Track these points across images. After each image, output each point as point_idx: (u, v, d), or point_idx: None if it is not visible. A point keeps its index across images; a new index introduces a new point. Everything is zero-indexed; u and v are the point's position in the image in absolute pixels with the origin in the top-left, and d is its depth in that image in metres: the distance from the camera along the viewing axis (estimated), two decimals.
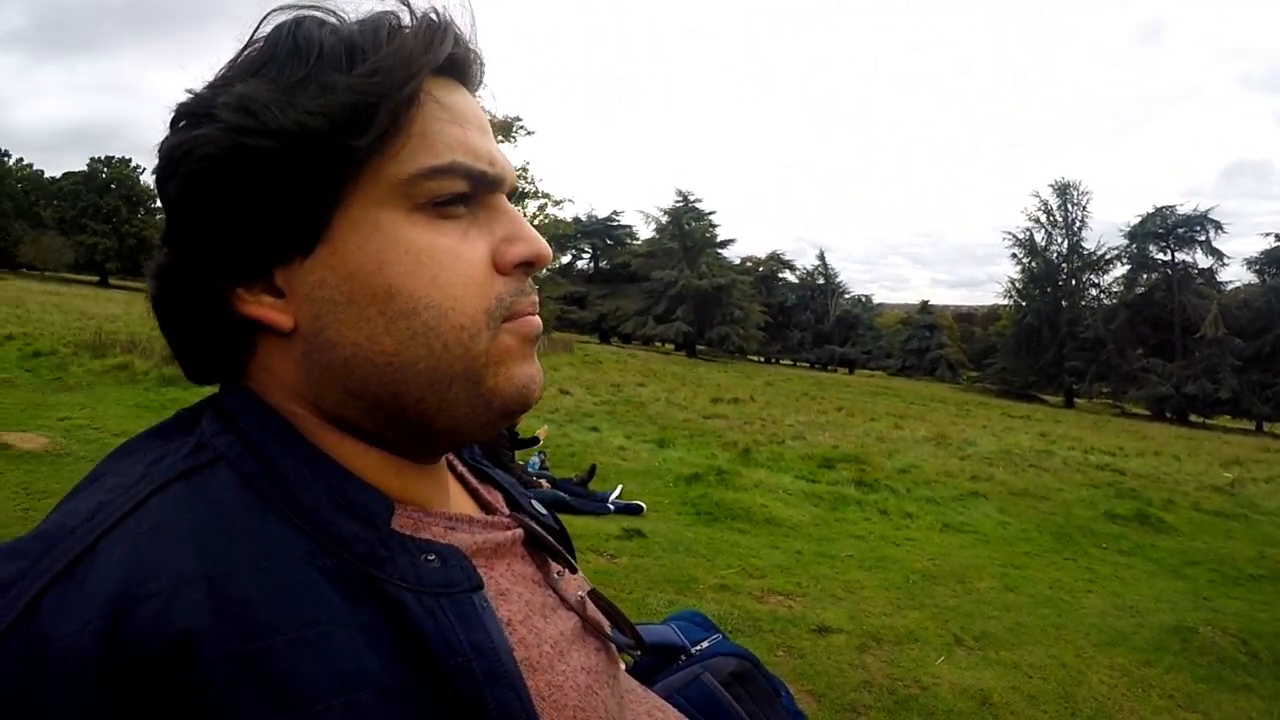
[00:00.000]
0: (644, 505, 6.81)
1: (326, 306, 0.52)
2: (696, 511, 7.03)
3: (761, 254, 75.02)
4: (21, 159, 64.66)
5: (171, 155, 0.51)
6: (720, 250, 62.77)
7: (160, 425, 0.57)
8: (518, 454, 7.07)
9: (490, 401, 0.55)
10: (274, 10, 0.53)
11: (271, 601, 0.44)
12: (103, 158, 62.75)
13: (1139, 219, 51.26)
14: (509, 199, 0.59)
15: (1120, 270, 53.90)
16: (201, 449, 0.51)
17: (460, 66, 0.57)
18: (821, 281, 75.03)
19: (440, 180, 0.52)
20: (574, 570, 0.70)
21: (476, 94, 0.60)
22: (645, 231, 65.91)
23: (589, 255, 70.17)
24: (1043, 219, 56.99)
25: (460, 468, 0.72)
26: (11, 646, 0.40)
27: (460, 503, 0.65)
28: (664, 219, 61.54)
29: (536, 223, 43.50)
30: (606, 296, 64.14)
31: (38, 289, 34.24)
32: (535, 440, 7.22)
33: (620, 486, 7.22)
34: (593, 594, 0.69)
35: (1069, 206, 56.19)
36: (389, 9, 0.54)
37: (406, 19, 0.54)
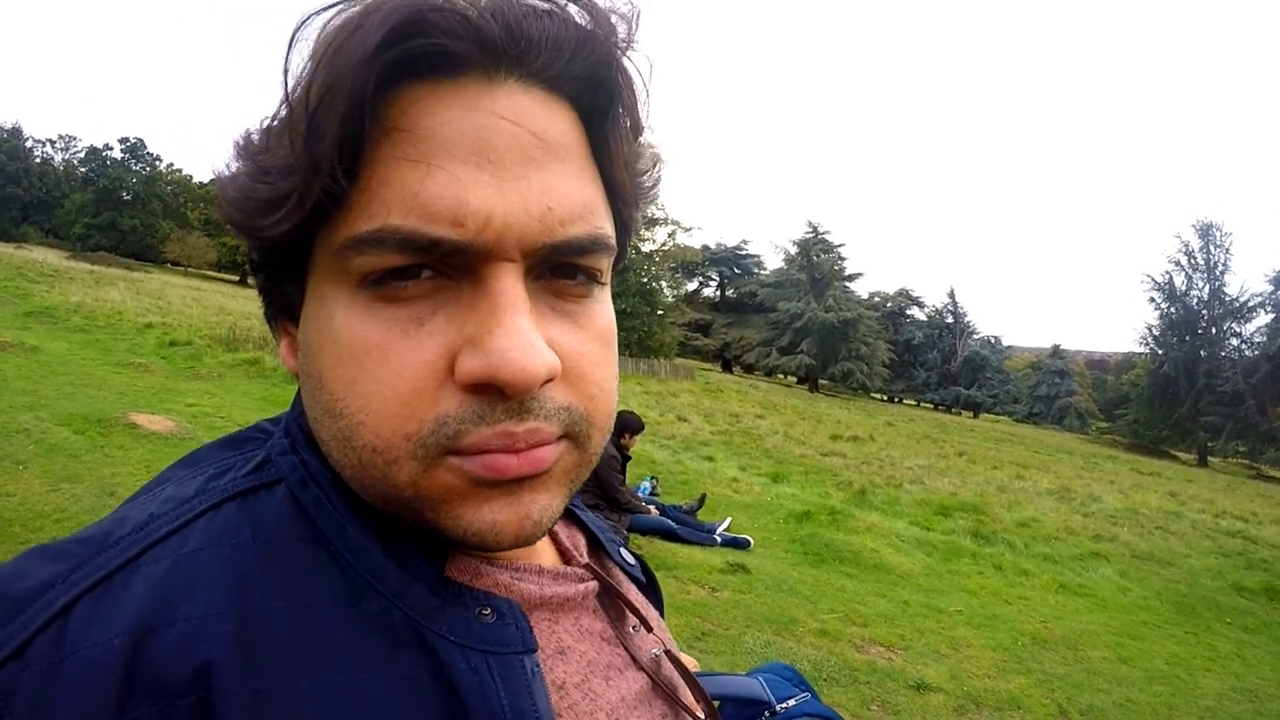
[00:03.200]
0: (751, 540, 6.82)
1: (300, 369, 0.48)
2: (805, 551, 6.97)
3: (890, 289, 73.61)
4: (172, 164, 70.39)
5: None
6: (848, 284, 61.93)
7: (235, 434, 0.55)
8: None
9: (447, 535, 0.45)
10: (313, 13, 0.42)
11: (303, 644, 0.41)
12: None
13: None
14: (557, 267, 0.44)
15: (1264, 319, 50.17)
16: (265, 467, 0.49)
17: (503, 47, 0.41)
18: (950, 320, 72.68)
19: (365, 254, 0.40)
20: (649, 628, 0.62)
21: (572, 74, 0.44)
22: (773, 261, 66.06)
23: (715, 283, 70.48)
24: (1183, 261, 53.57)
25: None
26: (38, 648, 0.38)
27: (536, 549, 0.59)
28: (793, 250, 61.23)
29: (664, 249, 42.57)
30: (731, 325, 64.20)
31: (180, 284, 35.10)
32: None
33: (729, 519, 7.25)
34: (668, 654, 0.62)
35: (1211, 249, 52.47)
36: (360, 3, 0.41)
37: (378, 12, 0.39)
